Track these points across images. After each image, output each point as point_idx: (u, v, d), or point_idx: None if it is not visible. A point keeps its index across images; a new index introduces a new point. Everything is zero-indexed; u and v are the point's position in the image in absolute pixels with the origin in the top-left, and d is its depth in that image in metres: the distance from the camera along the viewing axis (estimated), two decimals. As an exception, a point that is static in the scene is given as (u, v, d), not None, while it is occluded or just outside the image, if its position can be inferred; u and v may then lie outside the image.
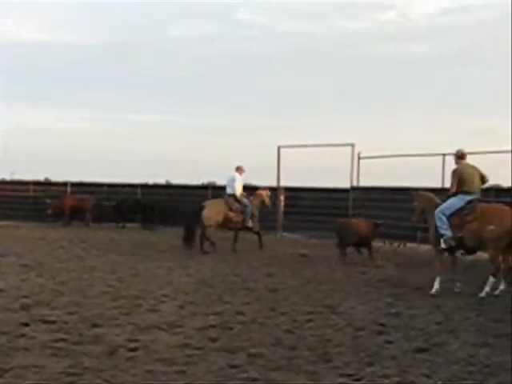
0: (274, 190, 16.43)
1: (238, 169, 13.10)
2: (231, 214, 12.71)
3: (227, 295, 7.76)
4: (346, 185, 15.60)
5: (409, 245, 14.05)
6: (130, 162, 26.95)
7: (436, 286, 8.14)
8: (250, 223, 12.89)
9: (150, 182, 21.08)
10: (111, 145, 29.99)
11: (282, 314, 6.75)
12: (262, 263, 10.86)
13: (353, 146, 15.48)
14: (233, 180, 12.97)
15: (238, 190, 12.90)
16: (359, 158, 15.64)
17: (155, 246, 13.32)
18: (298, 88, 33.42)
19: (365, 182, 15.56)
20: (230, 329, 6.04)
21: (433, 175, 13.50)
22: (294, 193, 16.60)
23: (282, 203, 16.49)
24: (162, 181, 22.42)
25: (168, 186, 20.61)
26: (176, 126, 34.66)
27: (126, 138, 32.67)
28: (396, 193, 14.36)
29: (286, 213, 16.58)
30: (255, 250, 12.80)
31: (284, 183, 16.83)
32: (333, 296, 7.85)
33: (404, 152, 15.16)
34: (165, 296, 7.58)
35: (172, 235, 15.31)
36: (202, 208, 12.64)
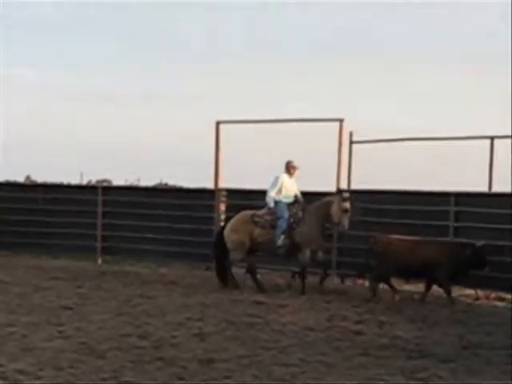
0: (208, 193, 16.41)
1: (288, 165, 14.12)
2: (256, 232, 13.78)
3: (128, 371, 7.63)
4: (331, 187, 15.63)
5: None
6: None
7: None
8: (280, 241, 13.70)
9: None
10: None
11: (221, 403, 6.68)
12: (186, 316, 10.80)
13: (341, 121, 15.52)
14: (274, 180, 14.05)
15: (270, 194, 13.88)
16: (351, 143, 15.68)
17: (4, 286, 13.21)
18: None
19: (360, 182, 15.65)
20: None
21: (473, 171, 13.75)
22: (242, 199, 16.52)
23: (223, 216, 16.40)
24: (19, 178, 22.12)
25: (31, 187, 20.41)
26: (34, 86, 33.98)
27: None
28: (408, 199, 14.60)
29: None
30: (176, 293, 12.90)
31: (225, 184, 16.85)
32: (305, 372, 7.80)
33: (419, 133, 15.41)
34: (21, 372, 7.42)
35: (35, 266, 15.09)
36: (225, 226, 14.10)
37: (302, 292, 13.40)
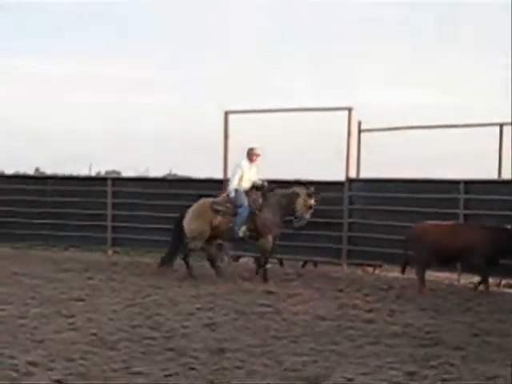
0: (217, 183, 16.41)
1: (250, 152, 14.13)
2: (218, 220, 13.82)
3: (139, 362, 7.63)
4: (339, 176, 15.64)
5: (440, 274, 14.17)
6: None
7: None
8: (241, 232, 13.73)
9: (8, 171, 21.00)
10: None
11: (232, 392, 6.66)
12: (196, 306, 10.80)
13: (350, 110, 15.48)
14: (235, 169, 14.13)
15: (233, 183, 13.96)
16: (359, 132, 15.65)
17: (17, 278, 13.21)
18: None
19: (369, 171, 15.62)
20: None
21: (482, 159, 13.72)
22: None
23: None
24: (28, 170, 22.08)
25: (40, 179, 20.35)
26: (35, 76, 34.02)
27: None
28: (417, 187, 14.61)
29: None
30: (186, 284, 12.92)
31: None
32: (316, 361, 7.78)
33: (430, 120, 15.38)
34: (33, 364, 7.42)
35: (46, 258, 15.11)
36: (184, 214, 14.09)
37: (265, 279, 13.40)
